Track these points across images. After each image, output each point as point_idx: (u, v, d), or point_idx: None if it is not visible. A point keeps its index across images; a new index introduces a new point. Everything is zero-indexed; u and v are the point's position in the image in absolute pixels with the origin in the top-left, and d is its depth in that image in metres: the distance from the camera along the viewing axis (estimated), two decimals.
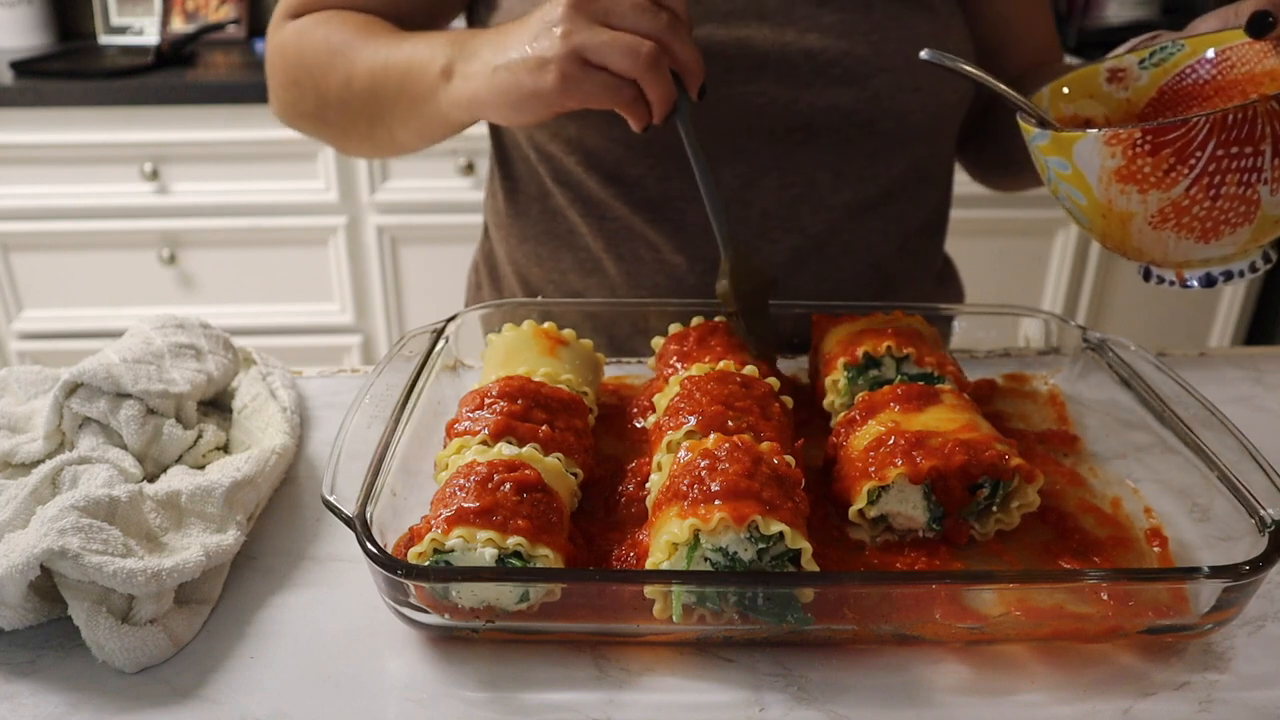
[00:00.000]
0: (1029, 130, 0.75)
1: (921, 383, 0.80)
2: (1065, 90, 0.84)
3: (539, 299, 1.11)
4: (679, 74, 0.84)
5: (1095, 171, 0.71)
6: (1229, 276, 0.75)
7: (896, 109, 1.00)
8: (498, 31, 0.87)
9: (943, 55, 0.78)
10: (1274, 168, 0.68)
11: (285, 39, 1.06)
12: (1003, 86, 0.77)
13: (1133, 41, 0.84)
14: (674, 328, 0.92)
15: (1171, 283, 0.77)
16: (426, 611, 0.63)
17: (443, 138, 1.01)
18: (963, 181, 1.34)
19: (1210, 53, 0.80)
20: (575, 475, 0.74)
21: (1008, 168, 1.18)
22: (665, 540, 0.63)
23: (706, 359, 0.84)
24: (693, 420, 0.74)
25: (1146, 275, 0.79)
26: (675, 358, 0.87)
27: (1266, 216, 0.70)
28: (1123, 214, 0.72)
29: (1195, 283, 0.76)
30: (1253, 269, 0.75)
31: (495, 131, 1.15)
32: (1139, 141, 0.68)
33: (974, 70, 0.78)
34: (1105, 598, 0.64)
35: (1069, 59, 1.28)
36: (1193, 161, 0.67)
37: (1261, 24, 0.74)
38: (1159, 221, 0.71)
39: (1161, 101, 0.82)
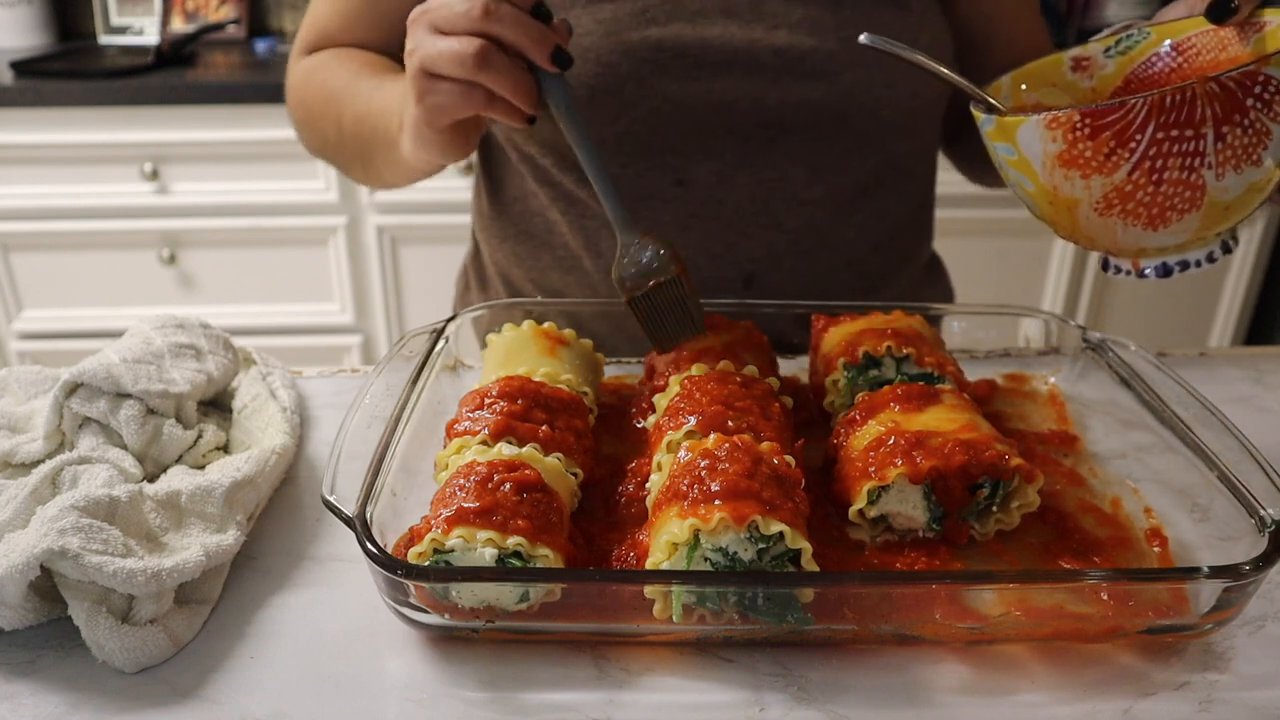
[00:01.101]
0: (978, 116, 0.74)
1: (921, 383, 0.80)
2: (1025, 79, 0.83)
3: (538, 299, 1.12)
4: (524, 56, 0.79)
5: (1039, 156, 0.70)
6: (1185, 266, 0.73)
7: (869, 104, 1.00)
8: None
9: (882, 40, 0.76)
10: (1218, 152, 0.66)
11: (295, 81, 1.14)
12: (949, 73, 0.76)
13: (1108, 30, 0.84)
14: None
15: (1128, 272, 0.76)
16: (426, 611, 0.63)
17: (423, 177, 1.02)
18: (962, 181, 1.34)
19: (1167, 44, 0.79)
20: (575, 475, 0.74)
21: (989, 161, 1.17)
22: (665, 540, 0.63)
23: (706, 359, 0.84)
24: (693, 420, 0.74)
25: (1105, 265, 0.78)
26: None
27: (1214, 203, 0.68)
28: (1068, 200, 0.71)
29: (1151, 273, 0.74)
30: (1210, 259, 0.73)
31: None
32: (1078, 125, 0.67)
33: (917, 56, 0.76)
34: (1105, 598, 0.64)
35: None
36: (1133, 145, 0.66)
37: (1222, 9, 0.73)
38: (1104, 208, 0.70)
39: (1127, 90, 0.81)
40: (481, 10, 0.76)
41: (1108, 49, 0.82)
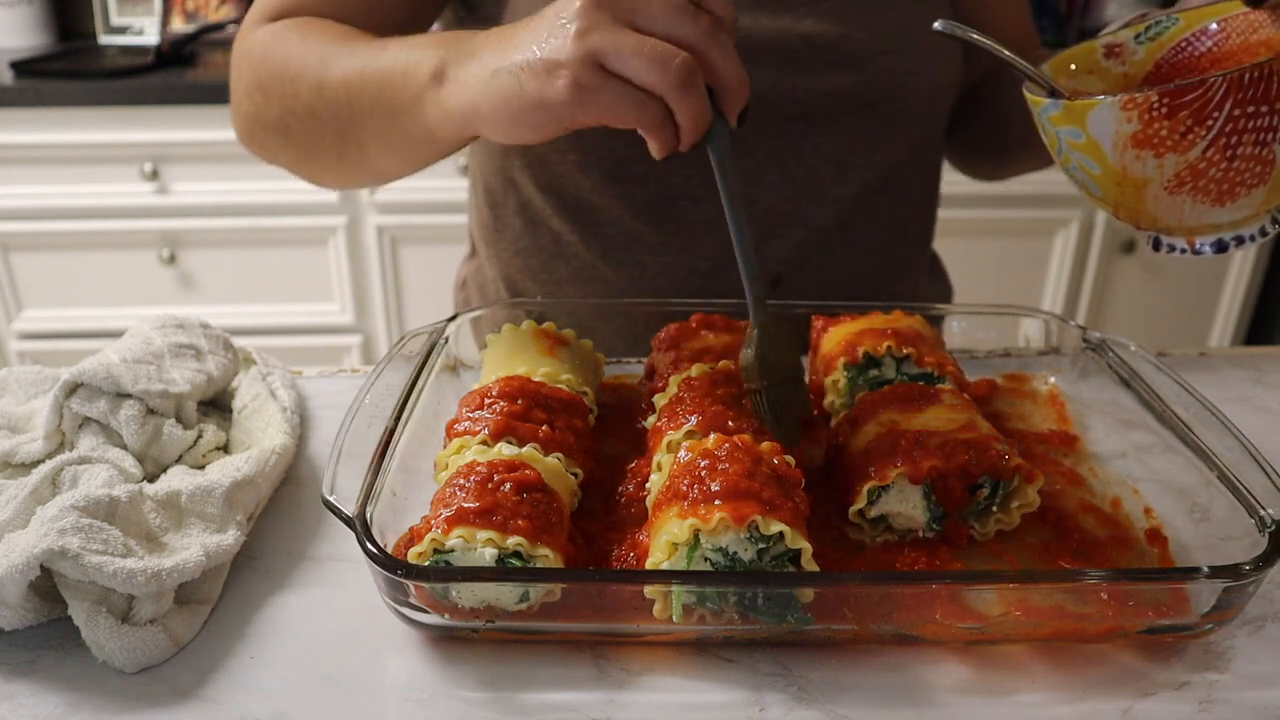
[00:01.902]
0: (1038, 102, 0.75)
1: (921, 383, 0.80)
2: (1071, 65, 0.83)
3: (538, 299, 1.11)
4: (716, 92, 0.71)
5: (1110, 138, 0.71)
6: (1240, 241, 0.74)
7: (894, 92, 1.00)
8: (503, 30, 0.75)
9: (956, 25, 0.76)
10: None
11: (255, 43, 0.97)
12: (1014, 57, 0.76)
13: (1122, 20, 0.84)
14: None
15: (1183, 250, 0.76)
16: (426, 611, 0.63)
17: (425, 162, 0.89)
18: (963, 181, 1.34)
19: (1214, 24, 0.80)
20: (575, 475, 0.74)
21: (994, 152, 1.18)
22: (665, 540, 0.63)
23: (706, 359, 0.84)
24: (693, 420, 0.74)
25: (1156, 245, 0.78)
26: (666, 347, 0.87)
27: None
28: (1138, 180, 0.72)
29: (1207, 248, 0.75)
30: (1262, 233, 0.74)
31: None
32: (1156, 104, 0.68)
33: (988, 41, 0.75)
34: (1105, 598, 0.64)
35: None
36: (1210, 122, 0.67)
37: None
38: (1175, 186, 0.71)
39: (1158, 75, 0.82)
40: (709, 25, 0.68)
41: (1137, 35, 0.83)
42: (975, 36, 0.76)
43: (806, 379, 0.77)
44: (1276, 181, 0.70)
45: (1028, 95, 0.76)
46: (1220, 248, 0.75)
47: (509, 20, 0.90)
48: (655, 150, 0.73)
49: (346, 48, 0.87)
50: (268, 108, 0.95)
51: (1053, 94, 0.75)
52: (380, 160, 0.90)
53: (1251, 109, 0.66)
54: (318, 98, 0.89)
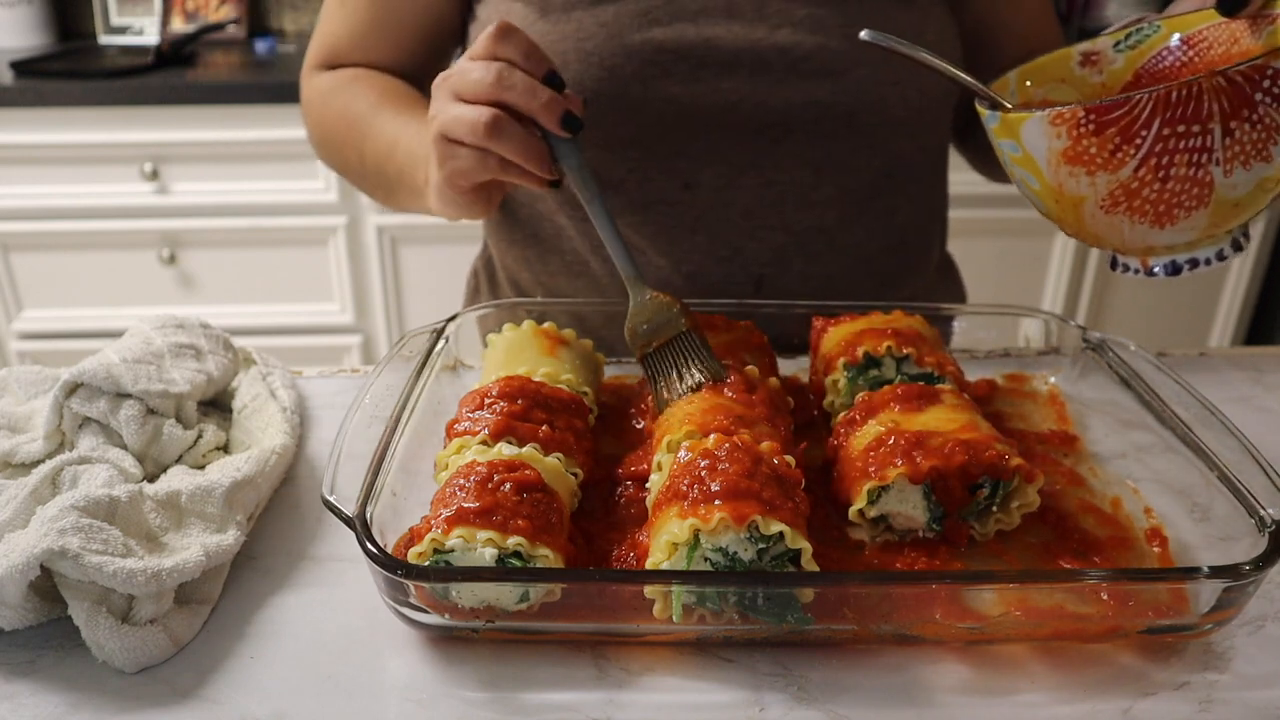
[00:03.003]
0: (983, 113, 0.73)
1: (921, 383, 0.80)
2: (1031, 75, 0.82)
3: (538, 299, 1.11)
4: (534, 121, 0.81)
5: (1043, 153, 0.69)
6: (1194, 264, 0.72)
7: (875, 103, 1.00)
8: None
9: (883, 36, 0.75)
10: (1225, 148, 0.65)
11: (311, 99, 1.13)
12: (951, 69, 0.75)
13: (1117, 24, 0.83)
14: None
15: (1137, 270, 0.75)
16: (426, 611, 0.63)
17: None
18: (963, 181, 1.34)
19: (1176, 38, 0.78)
20: (575, 475, 0.74)
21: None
22: (665, 540, 0.63)
23: None
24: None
25: (1113, 264, 0.77)
26: None
27: (1223, 199, 0.67)
28: (1074, 198, 0.70)
29: (1160, 271, 0.73)
30: (1220, 256, 0.72)
31: None
32: (1083, 121, 0.66)
33: (920, 52, 0.75)
34: (1105, 598, 0.64)
35: None
36: (1138, 141, 0.65)
37: (1233, 2, 0.72)
38: (1110, 205, 0.69)
39: (1137, 85, 0.80)
40: (494, 78, 0.78)
41: (1117, 43, 0.81)
42: (904, 48, 0.75)
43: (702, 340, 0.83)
44: (1220, 204, 0.67)
45: (977, 106, 0.75)
46: (1174, 270, 0.73)
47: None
48: (531, 188, 0.85)
49: (380, 120, 1.02)
50: (330, 159, 1.14)
51: (994, 106, 0.74)
52: (421, 212, 1.02)
53: (1181, 128, 0.64)
54: (362, 166, 1.06)
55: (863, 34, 0.76)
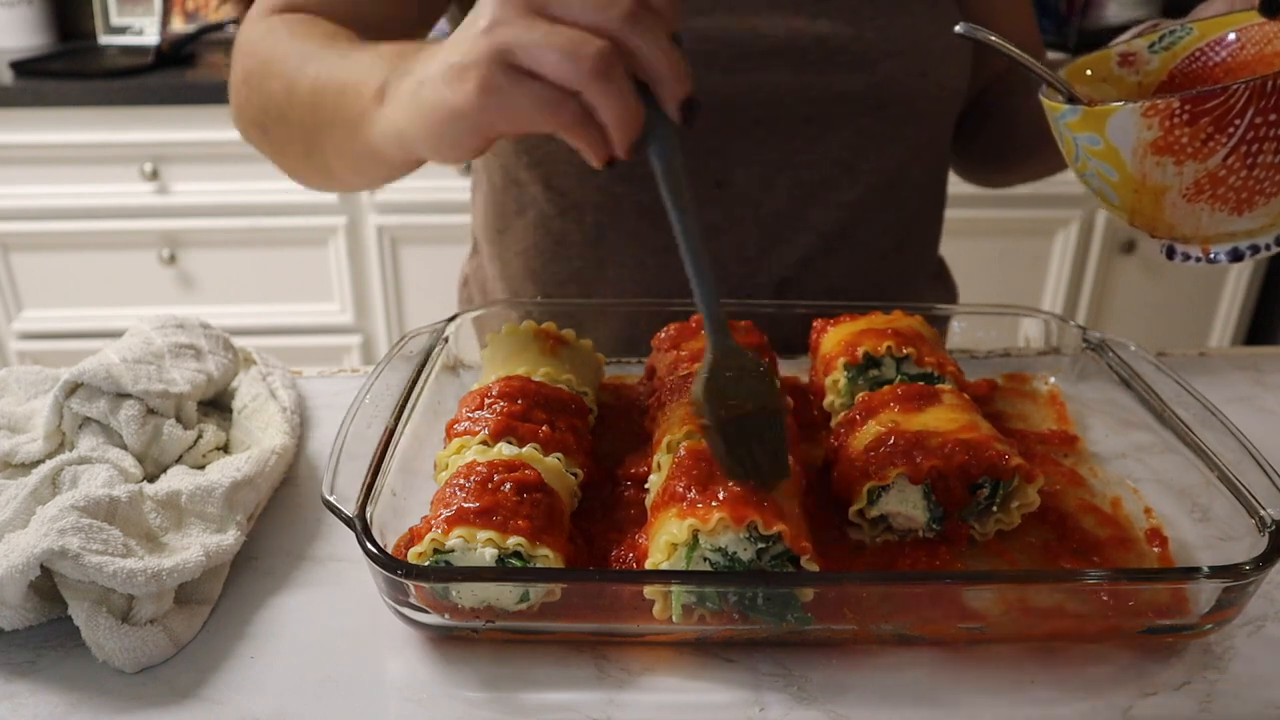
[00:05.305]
0: (1056, 107, 0.74)
1: (921, 383, 0.80)
2: (1087, 72, 0.84)
3: (538, 299, 1.11)
4: (650, 85, 0.62)
5: (1130, 145, 0.71)
6: (1255, 250, 0.74)
7: (903, 94, 1.00)
8: (441, 41, 0.69)
9: (977, 29, 0.76)
10: None
11: (253, 34, 0.96)
12: (1033, 61, 0.76)
13: (1137, 28, 0.84)
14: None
15: (1198, 259, 0.76)
16: (426, 611, 0.63)
17: (381, 179, 0.87)
18: (961, 182, 1.34)
19: (1230, 35, 0.80)
20: (575, 475, 0.74)
21: (1000, 159, 1.18)
22: (664, 540, 0.63)
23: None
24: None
25: (1170, 254, 0.78)
26: (667, 347, 0.87)
27: None
28: (1156, 188, 0.72)
29: (1223, 257, 0.75)
30: (1278, 242, 0.74)
31: None
32: (1178, 111, 0.68)
33: (1008, 45, 0.75)
34: (1105, 598, 0.64)
35: (1068, 58, 1.28)
36: (1231, 130, 0.67)
37: (1275, 4, 0.74)
38: (1194, 194, 0.71)
39: (1172, 84, 0.83)
40: (629, 8, 0.59)
41: (1151, 45, 0.83)
42: (995, 40, 0.76)
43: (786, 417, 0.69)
44: None
45: (1045, 101, 0.76)
46: (1236, 256, 0.75)
47: None
48: (590, 159, 0.64)
49: (322, 51, 0.84)
50: (249, 102, 0.94)
51: (1070, 100, 0.75)
52: (341, 172, 0.87)
53: (1273, 117, 0.66)
54: (287, 101, 0.87)
55: (958, 27, 0.75)
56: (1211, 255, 0.76)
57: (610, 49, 0.59)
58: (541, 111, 0.62)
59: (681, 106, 0.62)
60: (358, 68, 0.78)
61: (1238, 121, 0.67)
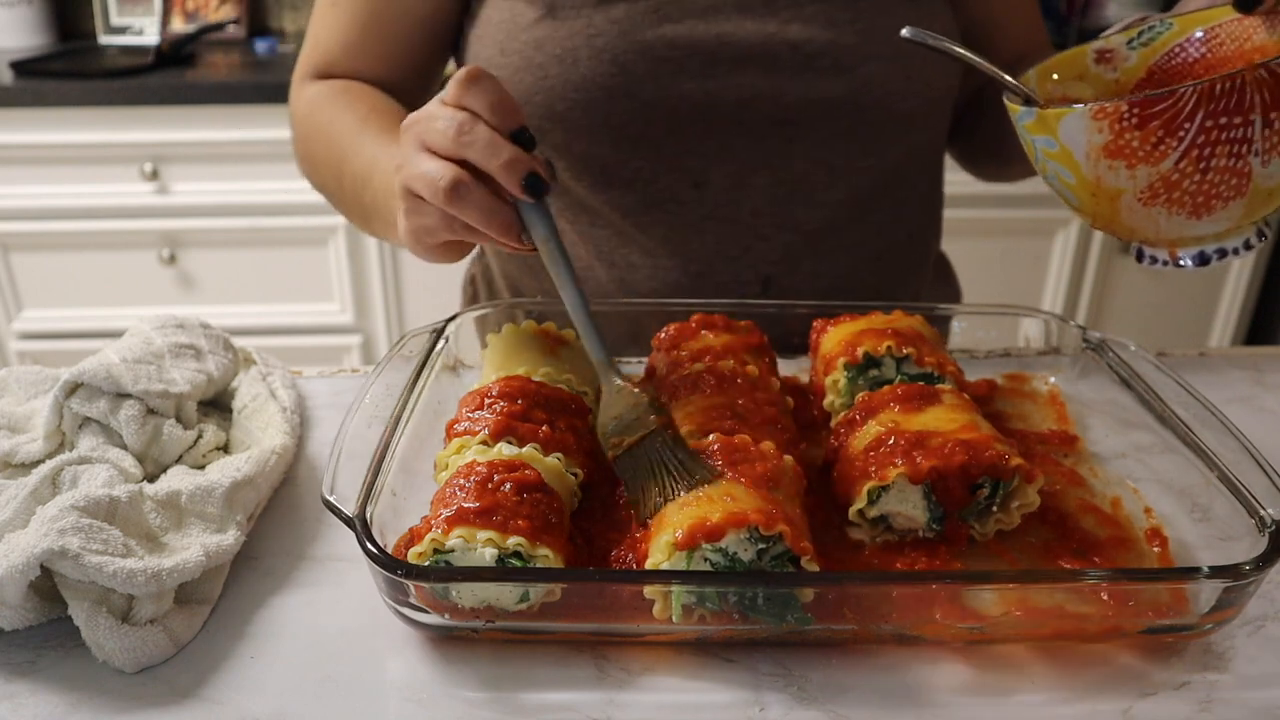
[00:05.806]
0: (1015, 109, 0.74)
1: (921, 383, 0.80)
2: (1054, 73, 0.82)
3: (538, 299, 1.11)
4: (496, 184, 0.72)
5: (1082, 148, 0.70)
6: (1223, 254, 0.73)
7: (885, 98, 1.00)
8: None
9: (925, 33, 0.76)
10: (1265, 138, 0.66)
11: (298, 111, 1.10)
12: (987, 64, 0.75)
13: (1121, 23, 0.84)
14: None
15: (1165, 262, 0.75)
16: (426, 611, 0.63)
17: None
18: (963, 181, 1.34)
19: (1199, 32, 0.78)
20: (575, 475, 0.74)
21: (998, 155, 1.18)
22: (665, 540, 0.63)
23: (706, 359, 0.84)
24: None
25: (1139, 256, 0.77)
26: (667, 347, 0.87)
27: (1259, 189, 0.68)
28: (1111, 191, 0.71)
29: (1189, 261, 0.74)
30: (1247, 246, 0.73)
31: None
32: (1125, 115, 0.66)
33: (958, 49, 0.75)
34: (1105, 598, 0.64)
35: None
36: (1181, 134, 0.66)
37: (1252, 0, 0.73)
38: (1149, 198, 0.70)
39: (1150, 81, 0.81)
40: (455, 132, 0.71)
41: (1130, 41, 0.82)
42: (948, 45, 0.75)
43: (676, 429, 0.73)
44: (1256, 194, 0.68)
45: (1006, 103, 0.75)
46: (1202, 260, 0.74)
47: (476, 36, 1.04)
48: (506, 251, 0.76)
49: (362, 141, 0.96)
50: (310, 177, 1.11)
51: (1028, 102, 0.74)
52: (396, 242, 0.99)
53: (1224, 120, 0.65)
54: (339, 187, 1.02)
55: (904, 31, 0.76)
56: (1179, 259, 0.74)
57: (454, 175, 0.71)
58: (440, 227, 0.74)
59: (524, 187, 0.72)
60: (387, 177, 0.89)
61: (1187, 125, 0.65)
